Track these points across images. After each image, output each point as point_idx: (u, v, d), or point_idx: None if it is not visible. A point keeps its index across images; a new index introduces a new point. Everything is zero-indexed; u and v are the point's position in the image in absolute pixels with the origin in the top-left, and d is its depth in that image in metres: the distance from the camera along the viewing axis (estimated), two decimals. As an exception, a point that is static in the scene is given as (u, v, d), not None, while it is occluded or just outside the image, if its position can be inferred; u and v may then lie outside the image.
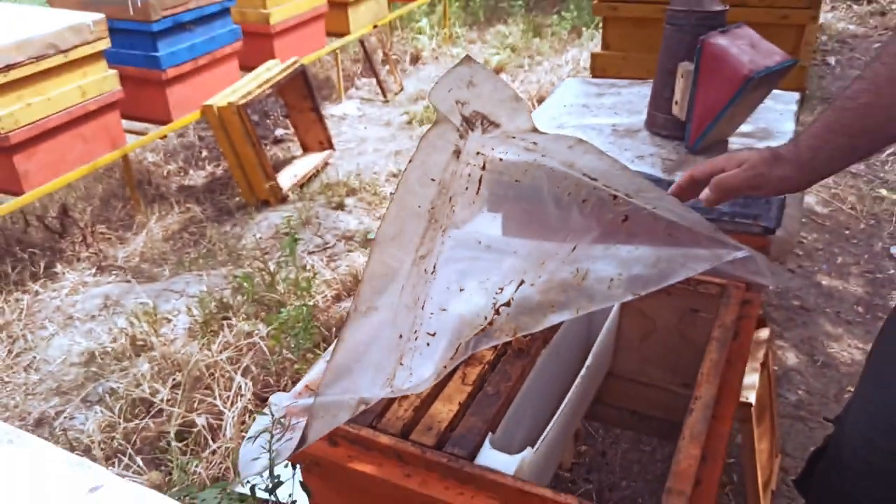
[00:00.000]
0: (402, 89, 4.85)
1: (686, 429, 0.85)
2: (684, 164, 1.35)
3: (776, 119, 1.51)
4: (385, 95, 4.72)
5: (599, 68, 2.05)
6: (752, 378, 1.39)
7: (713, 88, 1.29)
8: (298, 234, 2.94)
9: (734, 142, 1.42)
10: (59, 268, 2.93)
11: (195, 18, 3.16)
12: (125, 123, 3.16)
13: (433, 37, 5.57)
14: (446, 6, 5.70)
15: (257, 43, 3.72)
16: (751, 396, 1.35)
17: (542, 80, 4.55)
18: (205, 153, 4.10)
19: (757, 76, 1.22)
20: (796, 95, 1.61)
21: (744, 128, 1.46)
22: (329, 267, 2.81)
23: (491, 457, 0.86)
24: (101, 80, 2.81)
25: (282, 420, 0.95)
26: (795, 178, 0.84)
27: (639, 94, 1.63)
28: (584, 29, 5.34)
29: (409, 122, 4.24)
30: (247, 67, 3.62)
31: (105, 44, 2.78)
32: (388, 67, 4.97)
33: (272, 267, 2.69)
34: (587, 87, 1.78)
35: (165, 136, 3.69)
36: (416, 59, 5.41)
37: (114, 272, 2.97)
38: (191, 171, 3.90)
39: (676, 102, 1.39)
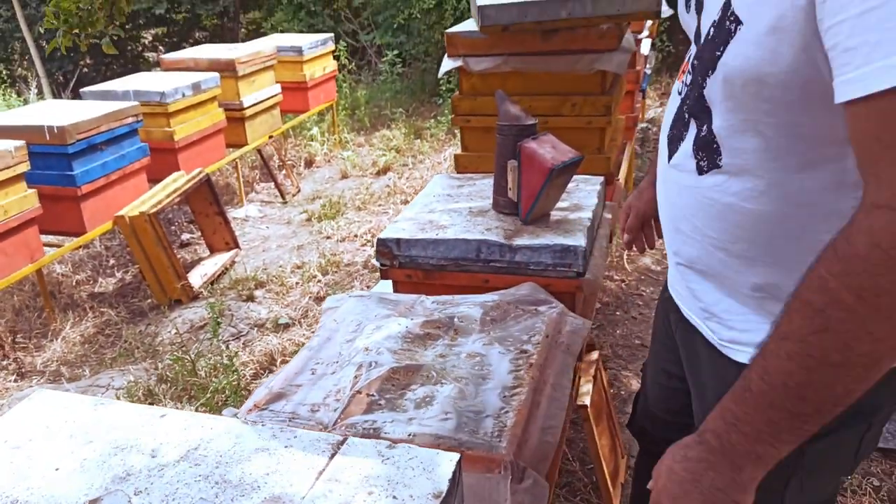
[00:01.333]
0: (298, 191, 5.30)
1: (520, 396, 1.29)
2: (520, 233, 1.85)
3: (585, 196, 2.07)
4: (283, 197, 5.14)
5: (461, 165, 2.59)
6: (586, 387, 1.86)
7: (531, 178, 1.81)
8: (218, 326, 3.24)
9: (555, 214, 1.95)
10: (-23, 378, 3.06)
11: (107, 140, 3.50)
12: (42, 237, 3.39)
13: (324, 142, 6.11)
14: (335, 115, 6.29)
15: (163, 157, 4.08)
16: (586, 400, 1.81)
17: (425, 175, 5.14)
18: (112, 261, 4.33)
19: (557, 168, 1.75)
20: (601, 178, 2.19)
21: (562, 203, 1.99)
22: (245, 351, 3.12)
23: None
24: (22, 199, 3.07)
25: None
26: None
27: (488, 185, 2.15)
28: (457, 131, 6.06)
29: (309, 220, 4.67)
30: (154, 179, 3.95)
31: (25, 167, 3.07)
32: (284, 172, 5.43)
33: (192, 355, 2.97)
34: (451, 181, 2.29)
35: (81, 247, 3.91)
36: (310, 163, 5.90)
37: (34, 377, 3.13)
38: (100, 279, 4.11)
39: (510, 189, 1.90)
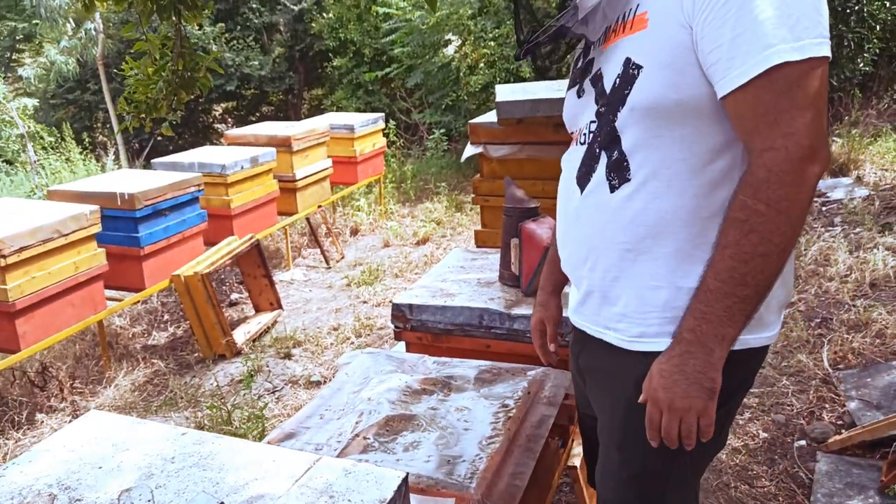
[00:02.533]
0: (342, 257, 5.62)
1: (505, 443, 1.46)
2: (519, 303, 2.05)
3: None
4: (328, 263, 5.46)
5: (481, 240, 2.83)
6: (577, 449, 2.00)
7: (530, 254, 2.03)
8: (252, 380, 3.49)
9: (556, 288, 2.14)
10: (38, 417, 3.36)
11: (170, 206, 3.89)
12: (105, 291, 3.75)
13: (370, 213, 6.47)
14: (381, 188, 6.67)
15: (219, 222, 4.46)
16: (576, 461, 1.96)
17: (461, 246, 5.40)
18: (166, 316, 4.67)
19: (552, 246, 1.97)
20: (603, 257, 2.38)
21: (562, 279, 2.19)
22: (278, 405, 3.34)
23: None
24: (91, 257, 3.44)
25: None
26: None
27: (498, 259, 2.37)
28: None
29: (349, 285, 4.95)
30: (210, 242, 4.32)
31: (97, 228, 3.45)
32: (330, 239, 5.77)
33: (229, 406, 3.21)
34: (466, 254, 2.53)
35: (140, 302, 4.27)
36: (355, 232, 6.25)
37: (87, 419, 3.41)
38: (154, 333, 4.44)
39: (513, 263, 2.12)
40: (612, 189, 1.16)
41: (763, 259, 1.00)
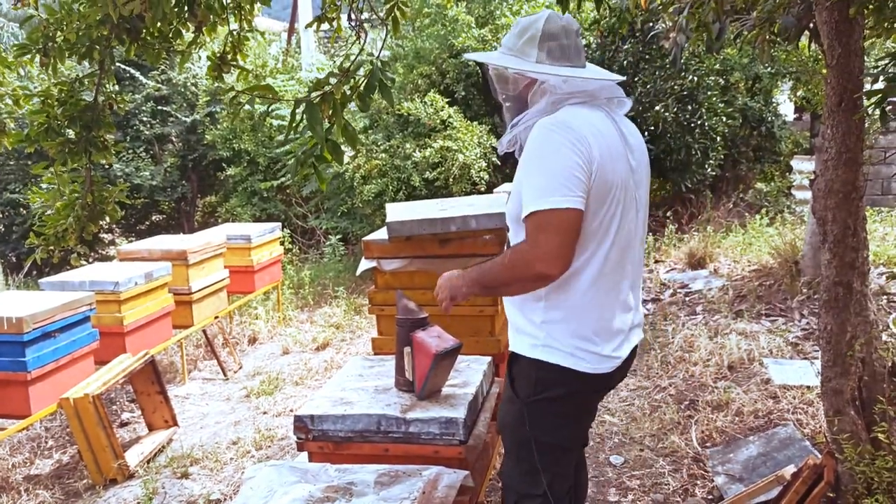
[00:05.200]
0: (240, 367, 5.57)
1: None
2: (414, 407, 2.22)
3: (472, 374, 2.48)
4: (225, 374, 5.40)
5: (377, 347, 3.01)
6: (474, 542, 2.14)
7: (421, 361, 2.23)
8: None
9: (446, 390, 2.34)
10: None
11: (60, 327, 3.81)
12: (-15, 421, 3.57)
13: (269, 320, 6.48)
14: (279, 295, 6.73)
15: (112, 340, 4.37)
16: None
17: (360, 350, 5.51)
18: (51, 442, 4.44)
19: (440, 353, 2.18)
20: (488, 359, 2.62)
21: (453, 381, 2.40)
22: (176, 528, 3.26)
23: None
24: (-27, 385, 3.31)
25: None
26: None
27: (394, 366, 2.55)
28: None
29: (248, 396, 4.91)
30: (101, 361, 4.21)
31: (-19, 355, 3.34)
32: (227, 350, 5.72)
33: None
34: (365, 362, 2.69)
35: (26, 429, 4.05)
36: (253, 340, 6.22)
37: (-39, 562, 3.17)
38: (37, 461, 4.20)
39: (407, 370, 2.31)
40: None
41: (495, 280, 1.88)
